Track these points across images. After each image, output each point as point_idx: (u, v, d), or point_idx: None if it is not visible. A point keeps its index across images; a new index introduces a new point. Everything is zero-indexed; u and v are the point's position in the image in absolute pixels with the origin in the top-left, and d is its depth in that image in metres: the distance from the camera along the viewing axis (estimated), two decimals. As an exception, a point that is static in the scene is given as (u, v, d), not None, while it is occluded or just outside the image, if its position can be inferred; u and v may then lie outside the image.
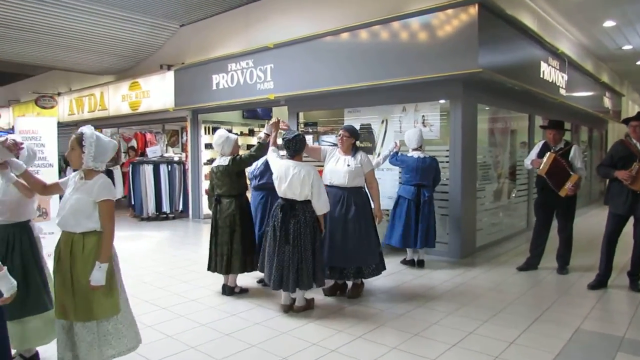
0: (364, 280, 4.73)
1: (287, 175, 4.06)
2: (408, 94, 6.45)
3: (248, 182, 5.03)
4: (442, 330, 3.80)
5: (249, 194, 4.97)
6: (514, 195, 8.17)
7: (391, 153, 5.69)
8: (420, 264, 5.76)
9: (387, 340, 3.59)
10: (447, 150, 6.21)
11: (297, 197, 4.07)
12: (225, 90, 8.47)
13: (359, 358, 3.29)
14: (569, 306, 4.38)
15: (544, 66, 7.43)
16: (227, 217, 4.57)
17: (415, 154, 5.61)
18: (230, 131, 10.55)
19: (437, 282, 5.15)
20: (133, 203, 10.05)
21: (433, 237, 5.68)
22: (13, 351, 3.14)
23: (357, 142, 4.79)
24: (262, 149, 4.57)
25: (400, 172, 6.03)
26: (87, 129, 2.90)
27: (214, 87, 8.66)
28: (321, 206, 4.12)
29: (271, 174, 4.40)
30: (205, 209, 9.64)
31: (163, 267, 5.92)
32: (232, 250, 4.58)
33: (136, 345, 3.01)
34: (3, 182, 3.10)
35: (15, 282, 2.42)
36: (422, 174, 5.57)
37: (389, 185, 6.69)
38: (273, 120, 4.74)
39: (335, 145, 4.95)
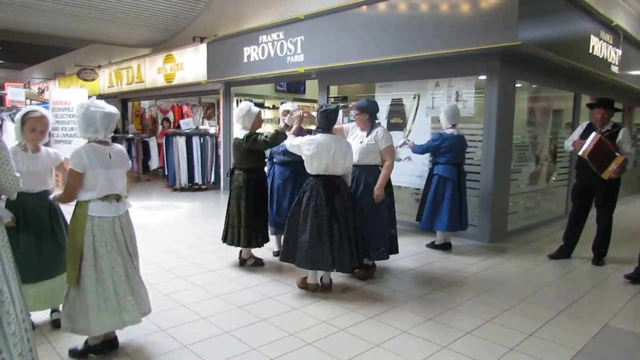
0: (376, 262, 4.58)
1: (329, 150, 3.92)
2: (442, 68, 6.14)
3: (267, 157, 4.97)
4: (458, 317, 3.64)
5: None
6: (553, 178, 7.74)
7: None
8: (448, 246, 5.57)
9: (399, 323, 3.46)
10: (481, 129, 5.90)
11: (337, 172, 3.99)
12: (256, 63, 8.37)
13: (366, 339, 3.19)
14: (600, 300, 4.09)
15: (594, 40, 6.88)
16: (234, 188, 4.59)
17: (454, 132, 5.36)
18: (261, 105, 10.70)
19: (461, 266, 4.95)
20: (167, 174, 10.25)
21: (467, 219, 5.53)
22: (47, 310, 3.29)
23: (379, 118, 4.60)
24: (278, 137, 4.31)
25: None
26: (79, 104, 2.89)
27: (245, 60, 8.57)
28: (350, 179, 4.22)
29: None
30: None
31: (187, 237, 5.99)
32: (240, 223, 4.56)
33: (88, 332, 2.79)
34: (25, 155, 3.14)
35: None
36: (460, 153, 5.41)
37: (419, 163, 6.47)
38: (298, 113, 4.58)
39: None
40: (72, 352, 2.89)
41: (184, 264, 4.85)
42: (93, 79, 13.70)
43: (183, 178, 9.97)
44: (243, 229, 4.55)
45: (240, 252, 4.79)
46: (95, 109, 2.81)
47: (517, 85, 6.19)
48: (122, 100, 13.98)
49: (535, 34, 5.36)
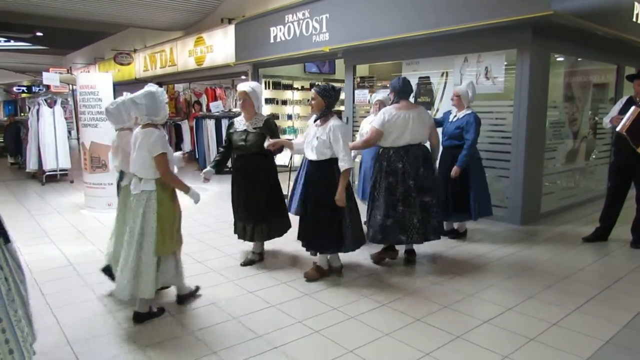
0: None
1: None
2: (470, 43, 5.84)
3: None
4: (477, 304, 3.51)
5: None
6: (593, 156, 7.31)
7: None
8: (456, 233, 5.26)
9: (413, 311, 3.36)
10: (511, 106, 5.61)
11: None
12: (282, 43, 8.26)
13: (376, 328, 3.11)
14: (636, 286, 3.84)
15: (638, 7, 6.34)
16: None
17: (469, 110, 4.95)
18: (291, 86, 10.60)
19: (486, 250, 4.76)
20: (197, 156, 10.39)
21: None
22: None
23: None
24: None
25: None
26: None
27: (272, 40, 8.48)
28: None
29: None
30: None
31: (211, 220, 6.07)
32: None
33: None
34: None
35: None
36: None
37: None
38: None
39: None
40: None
41: (203, 248, 4.92)
42: (129, 63, 13.98)
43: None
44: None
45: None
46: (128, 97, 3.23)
47: (559, 58, 5.80)
48: (157, 84, 14.19)
49: (569, 3, 4.97)
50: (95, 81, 6.27)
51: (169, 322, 3.21)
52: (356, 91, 7.67)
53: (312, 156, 3.82)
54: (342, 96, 9.71)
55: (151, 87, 3.18)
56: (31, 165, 9.26)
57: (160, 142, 3.07)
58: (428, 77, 6.58)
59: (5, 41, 18.22)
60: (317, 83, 4.39)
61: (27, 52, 19.74)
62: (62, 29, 13.98)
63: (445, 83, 6.38)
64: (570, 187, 6.94)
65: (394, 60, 7.14)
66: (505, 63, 5.66)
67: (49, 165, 8.86)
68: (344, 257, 4.22)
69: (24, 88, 25.77)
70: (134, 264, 3.06)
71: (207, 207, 6.93)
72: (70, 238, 5.29)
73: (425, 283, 3.89)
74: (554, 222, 5.85)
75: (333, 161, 3.74)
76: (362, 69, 8.03)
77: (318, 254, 4.01)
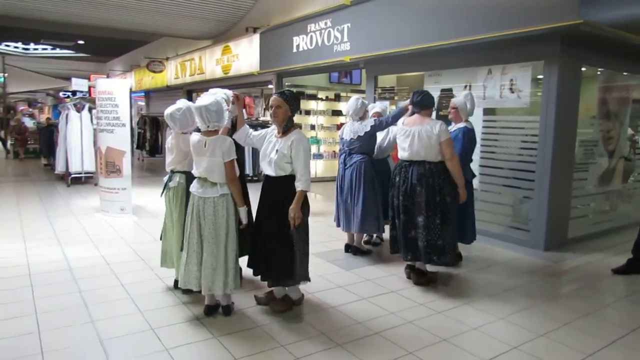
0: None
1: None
2: (494, 54, 5.52)
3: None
4: (480, 340, 3.17)
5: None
6: (632, 179, 6.76)
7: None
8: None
9: (406, 343, 3.09)
10: (537, 122, 5.23)
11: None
12: (304, 53, 8.15)
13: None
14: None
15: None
16: None
17: (470, 125, 4.57)
18: (315, 96, 10.47)
19: (502, 277, 4.40)
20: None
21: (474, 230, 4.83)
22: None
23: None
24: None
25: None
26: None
27: (295, 50, 8.38)
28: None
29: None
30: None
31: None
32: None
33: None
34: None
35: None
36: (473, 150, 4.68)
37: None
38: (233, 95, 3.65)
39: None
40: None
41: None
42: (161, 71, 14.26)
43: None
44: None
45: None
46: (194, 104, 3.25)
47: (598, 70, 5.38)
48: (187, 91, 14.42)
49: (601, 11, 4.60)
50: (113, 87, 6.30)
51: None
52: (377, 102, 7.42)
53: (268, 171, 3.35)
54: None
55: (217, 96, 3.30)
56: (59, 167, 9.48)
57: (232, 148, 3.22)
58: (450, 90, 6.27)
59: (51, 49, 19.07)
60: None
61: (71, 59, 20.57)
62: (102, 37, 14.45)
63: (469, 96, 6.05)
64: (604, 211, 6.43)
65: (416, 72, 6.87)
66: (535, 76, 5.30)
67: (74, 167, 9.05)
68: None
69: (70, 93, 26.91)
70: (224, 263, 3.25)
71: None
72: (77, 241, 5.27)
73: (427, 311, 3.59)
74: (582, 249, 5.39)
75: (293, 178, 3.28)
76: (390, 80, 7.79)
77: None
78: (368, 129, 4.65)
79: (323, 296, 3.79)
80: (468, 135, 4.46)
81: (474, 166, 5.52)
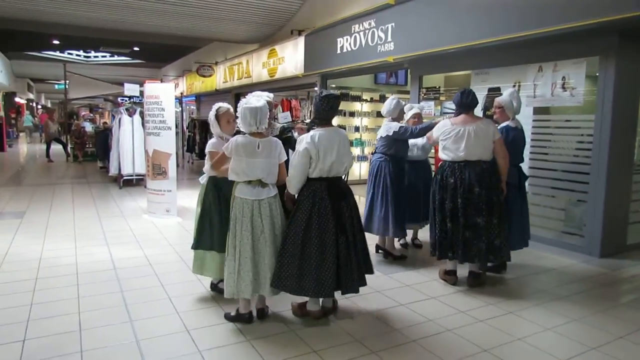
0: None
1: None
2: (546, 51, 5.24)
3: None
4: (523, 353, 2.99)
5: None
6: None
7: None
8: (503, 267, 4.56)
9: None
10: (592, 121, 4.90)
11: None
12: (348, 54, 8.08)
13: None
14: None
15: None
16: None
17: (513, 124, 4.33)
18: (359, 98, 10.36)
19: (552, 285, 4.14)
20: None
21: (529, 233, 4.55)
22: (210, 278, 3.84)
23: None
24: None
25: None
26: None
27: (338, 51, 8.33)
28: None
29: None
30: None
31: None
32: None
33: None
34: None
35: None
36: (521, 150, 4.38)
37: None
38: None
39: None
40: (226, 316, 3.36)
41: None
42: (210, 75, 14.63)
43: (277, 170, 10.10)
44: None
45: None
46: (246, 106, 3.15)
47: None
48: (235, 94, 14.71)
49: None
50: (159, 91, 6.49)
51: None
52: (422, 103, 7.24)
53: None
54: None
55: (263, 99, 3.30)
56: (113, 170, 9.91)
57: (283, 150, 3.30)
58: (498, 88, 6.00)
59: (109, 56, 20.08)
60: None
61: (127, 66, 21.57)
62: (156, 44, 15.04)
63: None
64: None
65: (462, 71, 6.65)
66: (590, 73, 4.98)
67: (126, 170, 9.42)
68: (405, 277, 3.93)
69: (127, 98, 28.22)
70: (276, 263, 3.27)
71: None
72: (123, 242, 5.47)
73: (468, 319, 3.42)
74: (644, 257, 5.00)
75: None
76: (436, 80, 7.58)
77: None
78: (390, 133, 4.58)
79: (359, 300, 3.71)
80: (509, 134, 4.26)
81: (524, 167, 5.27)
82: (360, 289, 3.38)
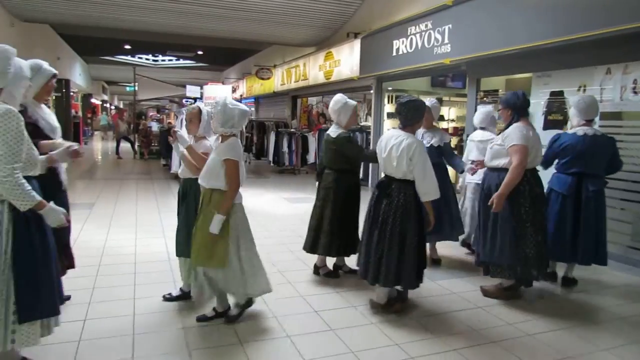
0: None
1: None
2: (615, 51, 4.90)
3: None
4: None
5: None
6: None
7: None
8: (568, 282, 4.26)
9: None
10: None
11: (393, 173, 3.46)
12: (404, 57, 7.99)
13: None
14: None
15: None
16: (322, 189, 4.20)
17: (581, 130, 4.08)
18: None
19: (611, 303, 3.89)
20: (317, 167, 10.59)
21: (603, 250, 4.09)
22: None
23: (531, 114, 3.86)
24: (372, 158, 3.90)
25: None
26: (217, 100, 3.17)
27: (394, 54, 8.26)
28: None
29: None
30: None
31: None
32: (321, 227, 4.15)
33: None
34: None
35: (60, 213, 2.45)
36: (587, 158, 4.03)
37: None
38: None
39: None
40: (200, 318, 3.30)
41: (292, 258, 4.88)
42: (268, 78, 14.97)
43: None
44: (325, 235, 4.11)
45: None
46: (233, 106, 3.08)
47: None
48: (292, 97, 14.97)
49: None
50: (216, 93, 6.74)
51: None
52: (479, 106, 7.02)
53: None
54: (463, 112, 9.06)
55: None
56: (174, 167, 10.36)
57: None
58: (561, 92, 5.71)
59: (175, 60, 21.06)
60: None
61: (191, 69, 22.51)
62: (218, 47, 15.65)
63: (582, 99, 5.46)
64: None
65: (523, 73, 6.38)
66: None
67: (186, 168, 9.82)
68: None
69: (192, 100, 29.52)
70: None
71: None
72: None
73: (515, 332, 3.28)
74: None
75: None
76: (496, 83, 7.33)
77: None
78: (441, 143, 4.65)
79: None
80: (554, 140, 4.25)
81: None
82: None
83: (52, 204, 2.40)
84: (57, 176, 3.20)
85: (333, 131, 4.14)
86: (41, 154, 2.61)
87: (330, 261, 4.42)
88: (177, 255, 3.64)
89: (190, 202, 3.47)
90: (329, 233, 4.11)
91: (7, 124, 2.21)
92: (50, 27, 13.33)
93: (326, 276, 4.31)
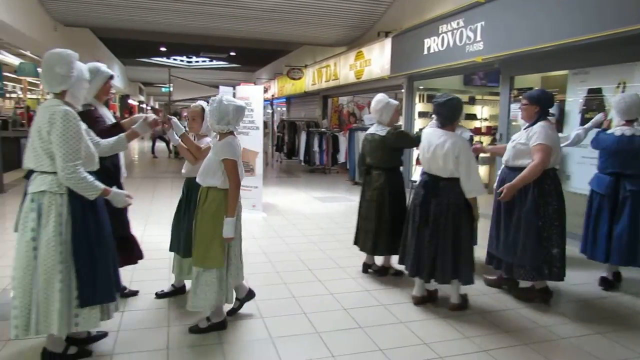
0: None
1: (429, 146, 3.52)
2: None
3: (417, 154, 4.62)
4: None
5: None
6: None
7: (591, 127, 4.33)
8: (607, 282, 4.16)
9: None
10: None
11: (439, 173, 3.51)
12: (435, 55, 7.92)
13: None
14: None
15: None
16: (374, 190, 4.24)
17: (619, 130, 4.00)
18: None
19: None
20: (348, 167, 10.61)
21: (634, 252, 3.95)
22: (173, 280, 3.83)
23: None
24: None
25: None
26: (213, 98, 3.10)
27: (425, 52, 8.20)
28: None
29: None
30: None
31: (338, 231, 6.08)
32: (381, 228, 4.21)
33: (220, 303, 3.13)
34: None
35: (123, 195, 2.77)
36: (625, 158, 3.94)
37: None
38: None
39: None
40: (192, 329, 3.15)
41: (322, 257, 4.93)
42: (300, 78, 15.08)
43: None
44: (385, 235, 4.19)
45: (369, 261, 4.49)
46: (227, 102, 3.00)
47: None
48: (323, 96, 15.03)
49: None
50: (249, 93, 6.85)
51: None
52: (512, 105, 6.90)
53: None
54: (496, 111, 8.89)
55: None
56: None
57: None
58: (599, 90, 5.55)
59: (209, 61, 21.46)
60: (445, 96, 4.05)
61: (224, 70, 22.89)
62: (251, 48, 15.86)
63: (622, 96, 5.29)
64: None
65: (558, 71, 6.23)
66: None
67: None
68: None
69: (224, 100, 29.97)
70: None
71: (340, 218, 6.97)
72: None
73: (547, 335, 3.23)
74: None
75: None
76: (531, 80, 7.18)
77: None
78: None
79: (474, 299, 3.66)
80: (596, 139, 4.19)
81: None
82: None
83: (115, 188, 2.70)
84: (118, 168, 3.51)
85: (378, 130, 4.22)
86: (124, 131, 3.08)
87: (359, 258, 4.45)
88: (170, 250, 3.75)
89: (193, 201, 3.38)
90: (389, 232, 4.17)
91: (67, 125, 2.44)
92: (90, 31, 13.85)
93: (394, 275, 4.39)
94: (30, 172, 2.57)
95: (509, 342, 3.10)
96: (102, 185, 2.58)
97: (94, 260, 2.57)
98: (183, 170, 3.65)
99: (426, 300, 3.71)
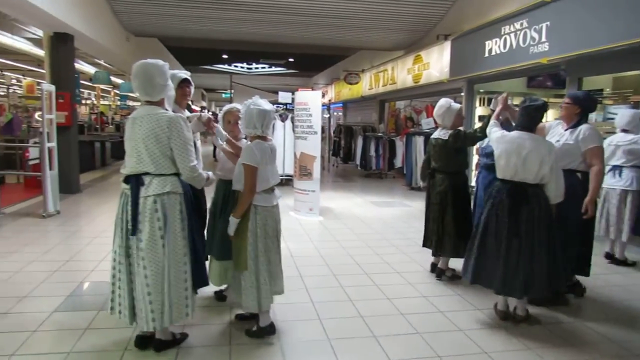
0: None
1: (520, 151, 3.29)
2: None
3: (477, 159, 4.54)
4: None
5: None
6: None
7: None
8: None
9: None
10: None
11: (529, 179, 3.30)
12: (497, 57, 7.70)
13: None
14: None
15: None
16: (438, 193, 4.26)
17: None
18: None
19: None
20: (405, 172, 10.50)
21: None
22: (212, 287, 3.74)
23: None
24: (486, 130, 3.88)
25: None
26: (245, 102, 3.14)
27: (486, 55, 7.99)
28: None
29: None
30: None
31: (394, 236, 6.05)
32: (444, 230, 4.23)
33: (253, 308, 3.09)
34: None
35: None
36: None
37: None
38: (502, 94, 3.94)
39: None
40: (248, 333, 3.19)
41: (378, 261, 4.94)
42: (357, 82, 15.13)
43: (419, 177, 10.04)
44: (450, 237, 4.19)
45: (436, 261, 4.51)
46: (254, 106, 3.02)
47: None
48: (380, 101, 14.99)
49: None
50: (307, 99, 6.98)
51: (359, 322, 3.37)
52: (621, 109, 6.56)
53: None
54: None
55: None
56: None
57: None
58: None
59: (268, 67, 22.03)
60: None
61: (283, 76, 23.39)
62: (308, 54, 16.13)
63: None
64: None
65: (631, 71, 5.88)
66: None
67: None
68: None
69: (281, 105, 30.66)
70: None
71: (396, 223, 6.92)
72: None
73: (615, 349, 3.07)
74: None
75: None
76: (601, 82, 6.83)
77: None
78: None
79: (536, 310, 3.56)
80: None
81: None
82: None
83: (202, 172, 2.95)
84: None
85: (441, 134, 4.27)
86: None
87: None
88: (207, 254, 3.59)
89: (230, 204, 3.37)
90: (454, 235, 4.19)
91: (180, 128, 2.70)
92: (158, 40, 14.64)
93: (452, 278, 4.36)
94: (132, 177, 2.69)
95: (578, 357, 2.97)
96: (205, 174, 2.91)
97: (199, 248, 2.95)
98: (219, 172, 3.61)
99: (510, 316, 3.49)
